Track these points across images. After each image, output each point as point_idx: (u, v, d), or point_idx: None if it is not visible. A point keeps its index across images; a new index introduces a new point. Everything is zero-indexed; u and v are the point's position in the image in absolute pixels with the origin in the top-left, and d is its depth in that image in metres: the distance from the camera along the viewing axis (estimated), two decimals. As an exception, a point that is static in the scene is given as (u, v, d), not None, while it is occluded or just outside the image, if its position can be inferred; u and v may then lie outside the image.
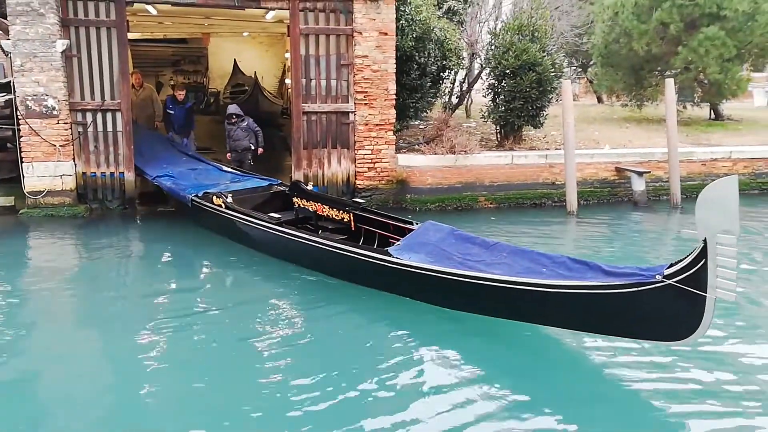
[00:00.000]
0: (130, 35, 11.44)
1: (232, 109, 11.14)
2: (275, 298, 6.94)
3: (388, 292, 6.54)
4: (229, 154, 10.99)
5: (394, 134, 11.10)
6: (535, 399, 4.70)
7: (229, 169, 10.43)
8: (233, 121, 10.83)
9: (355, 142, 10.91)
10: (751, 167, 12.81)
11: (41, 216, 9.75)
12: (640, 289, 4.61)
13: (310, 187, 9.28)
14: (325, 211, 8.39)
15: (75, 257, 8.54)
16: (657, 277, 4.53)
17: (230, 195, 8.38)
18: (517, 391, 4.79)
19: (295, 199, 8.95)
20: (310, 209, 8.38)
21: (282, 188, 9.53)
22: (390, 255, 6.25)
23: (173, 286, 7.34)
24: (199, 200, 8.64)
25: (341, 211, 8.17)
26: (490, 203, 11.33)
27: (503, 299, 5.49)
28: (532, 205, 11.48)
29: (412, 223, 7.49)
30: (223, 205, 8.23)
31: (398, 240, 7.27)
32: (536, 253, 6.08)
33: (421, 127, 13.85)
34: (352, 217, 8.03)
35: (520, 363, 5.32)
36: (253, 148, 10.92)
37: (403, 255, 6.21)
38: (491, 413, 4.47)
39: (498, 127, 12.67)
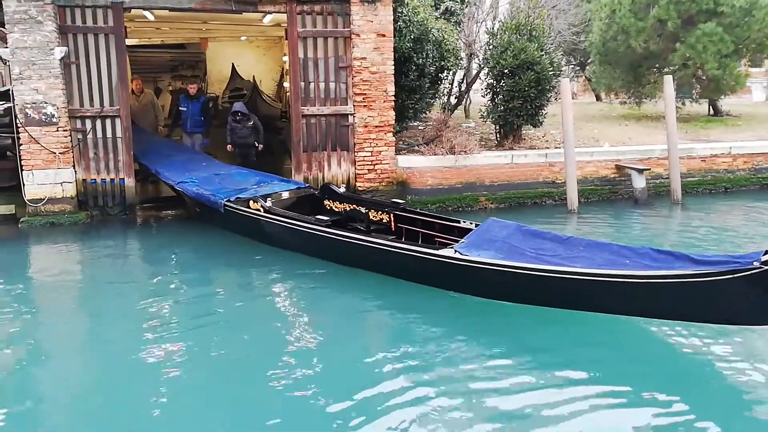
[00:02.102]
0: (128, 41, 11.45)
1: (238, 107, 11.38)
2: (316, 298, 6.98)
3: (454, 290, 6.51)
4: (229, 146, 11.32)
5: (393, 136, 11.10)
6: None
7: (249, 171, 10.39)
8: (238, 119, 11.08)
9: (354, 144, 10.91)
10: (750, 162, 12.81)
11: (42, 224, 9.74)
12: (737, 275, 4.72)
13: (342, 189, 9.27)
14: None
15: (76, 265, 8.53)
16: (755, 263, 4.63)
17: (269, 199, 8.41)
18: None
19: (326, 202, 8.93)
20: (362, 210, 8.31)
21: (311, 191, 9.55)
22: (457, 253, 6.22)
23: (182, 292, 7.25)
24: (233, 206, 8.59)
25: (380, 212, 8.16)
26: (491, 203, 11.32)
27: (597, 292, 5.49)
28: (533, 204, 11.48)
29: (459, 221, 7.54)
30: (262, 210, 8.22)
31: (446, 239, 7.30)
32: (615, 245, 6.13)
33: (420, 128, 13.85)
34: (392, 218, 8.01)
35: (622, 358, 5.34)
36: (256, 144, 11.35)
37: (471, 253, 6.17)
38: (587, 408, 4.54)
39: (497, 127, 12.66)
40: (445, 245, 6.95)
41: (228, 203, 8.62)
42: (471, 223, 7.44)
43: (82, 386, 5.03)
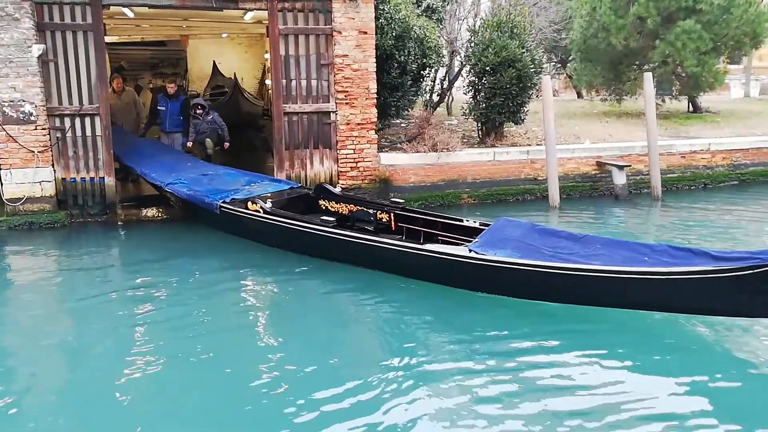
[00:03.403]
0: (108, 39, 11.32)
1: (198, 100, 11.29)
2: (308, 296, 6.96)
3: (467, 289, 6.54)
4: (189, 143, 11.25)
5: (375, 133, 11.09)
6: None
7: (237, 171, 10.27)
8: (198, 112, 10.95)
9: (337, 141, 10.89)
10: (729, 159, 12.96)
11: (20, 223, 9.61)
12: (757, 271, 4.92)
13: (338, 189, 9.23)
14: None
15: (56, 266, 8.40)
16: None
17: (269, 200, 8.36)
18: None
19: (321, 202, 8.88)
20: (370, 212, 8.22)
21: (304, 191, 9.50)
22: (472, 252, 6.25)
23: (167, 296, 7.10)
24: (229, 207, 8.50)
25: (380, 212, 8.12)
26: (473, 200, 11.37)
27: (621, 289, 5.60)
28: (515, 200, 11.55)
29: (462, 220, 7.58)
30: (261, 211, 8.16)
31: (449, 237, 7.34)
32: (632, 242, 6.28)
33: (402, 125, 13.86)
34: (392, 217, 8.00)
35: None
36: (219, 140, 11.25)
37: (487, 252, 6.20)
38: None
39: (479, 124, 12.70)
40: (449, 244, 6.95)
41: (224, 205, 8.55)
42: (475, 222, 7.50)
43: (58, 400, 4.86)
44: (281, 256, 8.08)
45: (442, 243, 7.37)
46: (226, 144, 11.28)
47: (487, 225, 7.20)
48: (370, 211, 8.25)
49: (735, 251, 5.48)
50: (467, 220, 7.57)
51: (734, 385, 4.94)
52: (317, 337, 5.94)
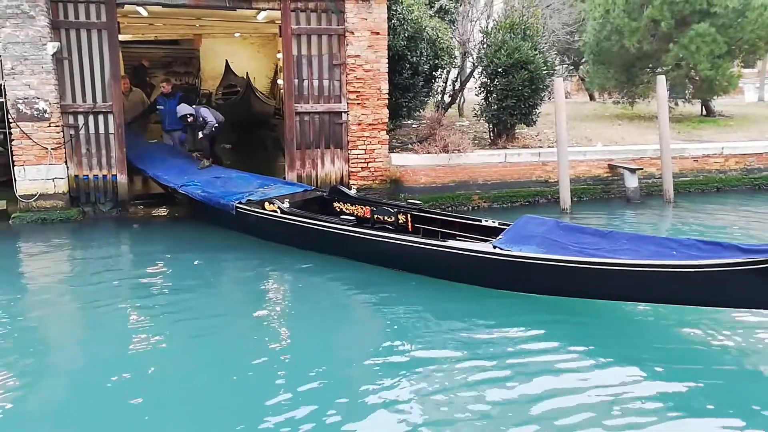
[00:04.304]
0: (121, 37, 11.40)
1: (184, 110, 10.83)
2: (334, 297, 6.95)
3: (491, 287, 6.50)
4: (196, 154, 11.12)
5: (387, 134, 11.10)
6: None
7: (249, 175, 10.31)
8: (189, 122, 10.78)
9: (348, 142, 10.90)
10: (742, 163, 12.87)
11: (33, 220, 9.69)
12: None
13: (353, 191, 9.22)
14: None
15: (68, 263, 8.45)
16: None
17: (286, 200, 8.41)
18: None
19: (336, 204, 8.91)
20: (390, 210, 8.21)
21: (318, 193, 9.54)
22: (496, 248, 6.22)
23: (178, 294, 7.05)
24: (246, 207, 8.58)
25: (397, 212, 8.13)
26: (484, 202, 11.34)
27: (655, 283, 5.51)
28: (526, 203, 11.50)
29: (480, 220, 7.58)
30: (279, 211, 8.21)
31: (468, 237, 7.31)
32: (659, 237, 6.26)
33: (414, 126, 13.84)
34: (409, 218, 7.99)
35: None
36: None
37: (511, 248, 6.18)
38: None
39: (491, 126, 12.67)
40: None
41: (240, 205, 8.62)
42: (494, 222, 7.47)
43: (65, 399, 4.80)
44: (296, 254, 8.08)
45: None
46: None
47: (507, 225, 7.15)
48: (391, 210, 8.24)
49: (764, 244, 5.37)
50: (486, 220, 7.55)
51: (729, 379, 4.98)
52: (328, 332, 5.95)
